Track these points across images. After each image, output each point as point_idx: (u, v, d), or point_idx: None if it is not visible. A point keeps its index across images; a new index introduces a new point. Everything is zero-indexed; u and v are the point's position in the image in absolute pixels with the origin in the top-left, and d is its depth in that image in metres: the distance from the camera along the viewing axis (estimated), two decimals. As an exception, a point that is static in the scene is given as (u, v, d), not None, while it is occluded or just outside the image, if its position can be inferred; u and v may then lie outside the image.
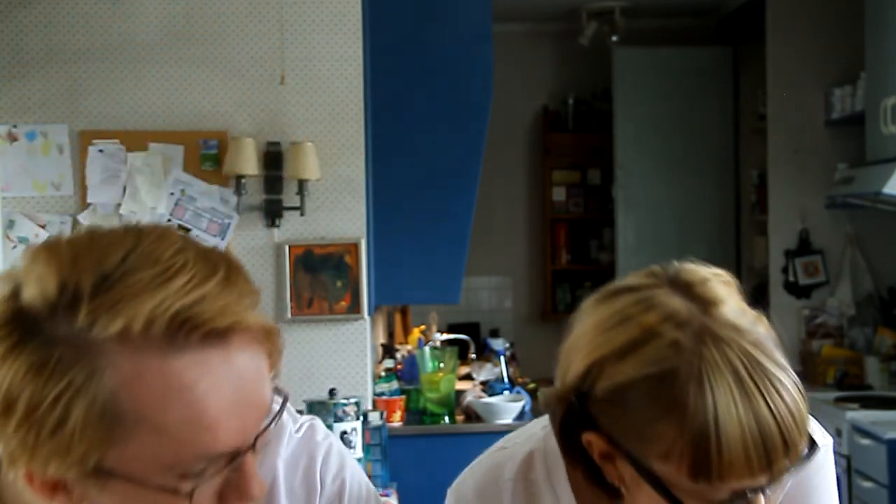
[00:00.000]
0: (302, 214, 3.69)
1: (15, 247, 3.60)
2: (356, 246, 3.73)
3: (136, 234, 0.93)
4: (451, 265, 4.04)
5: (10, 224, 3.63)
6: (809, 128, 5.47)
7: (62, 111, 3.68)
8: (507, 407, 4.11)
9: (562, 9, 6.40)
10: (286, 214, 3.71)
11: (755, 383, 1.04)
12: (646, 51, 6.43)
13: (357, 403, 3.10)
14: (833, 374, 5.21)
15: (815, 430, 1.24)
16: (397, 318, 5.45)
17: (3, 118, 3.65)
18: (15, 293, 0.91)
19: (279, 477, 1.14)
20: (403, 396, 4.18)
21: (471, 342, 5.34)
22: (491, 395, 4.30)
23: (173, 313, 0.88)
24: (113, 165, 3.66)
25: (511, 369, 4.89)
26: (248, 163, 3.58)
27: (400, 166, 4.00)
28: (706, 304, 1.09)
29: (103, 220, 3.62)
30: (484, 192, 4.30)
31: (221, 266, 0.93)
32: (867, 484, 4.29)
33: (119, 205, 3.64)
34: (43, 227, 3.64)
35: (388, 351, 4.80)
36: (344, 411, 3.04)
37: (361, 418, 3.16)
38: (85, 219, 3.63)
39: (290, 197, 3.69)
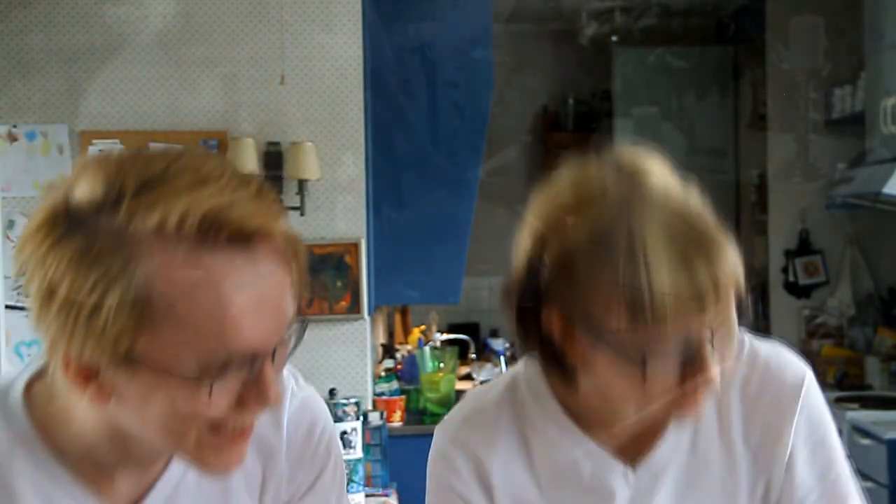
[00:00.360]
0: (302, 214, 3.69)
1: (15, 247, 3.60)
2: (356, 246, 3.73)
3: (180, 152, 1.02)
4: (451, 265, 4.04)
5: (10, 224, 3.63)
6: (809, 128, 5.47)
7: (62, 111, 3.68)
8: (507, 407, 4.10)
9: (562, 9, 6.40)
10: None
11: (683, 236, 1.13)
12: (646, 51, 6.43)
13: (357, 403, 3.10)
14: (833, 374, 5.21)
15: (796, 360, 1.31)
16: (397, 318, 5.45)
17: (3, 118, 3.65)
18: (66, 195, 0.99)
19: (283, 427, 1.19)
20: (403, 396, 4.18)
21: (471, 342, 5.34)
22: (491, 395, 4.29)
23: (205, 212, 0.96)
24: (113, 165, 3.66)
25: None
26: (248, 163, 3.58)
27: (400, 166, 4.00)
28: (637, 174, 1.19)
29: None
30: (484, 192, 4.30)
31: (255, 182, 1.01)
32: (867, 484, 4.29)
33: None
34: (43, 227, 3.64)
35: (388, 351, 4.79)
36: (344, 411, 3.04)
37: (361, 418, 3.16)
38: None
39: (290, 197, 3.69)
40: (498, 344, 4.93)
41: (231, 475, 1.16)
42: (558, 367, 1.22)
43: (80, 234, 0.96)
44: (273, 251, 0.99)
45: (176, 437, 1.01)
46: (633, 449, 1.27)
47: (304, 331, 1.04)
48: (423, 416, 4.22)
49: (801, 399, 1.29)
